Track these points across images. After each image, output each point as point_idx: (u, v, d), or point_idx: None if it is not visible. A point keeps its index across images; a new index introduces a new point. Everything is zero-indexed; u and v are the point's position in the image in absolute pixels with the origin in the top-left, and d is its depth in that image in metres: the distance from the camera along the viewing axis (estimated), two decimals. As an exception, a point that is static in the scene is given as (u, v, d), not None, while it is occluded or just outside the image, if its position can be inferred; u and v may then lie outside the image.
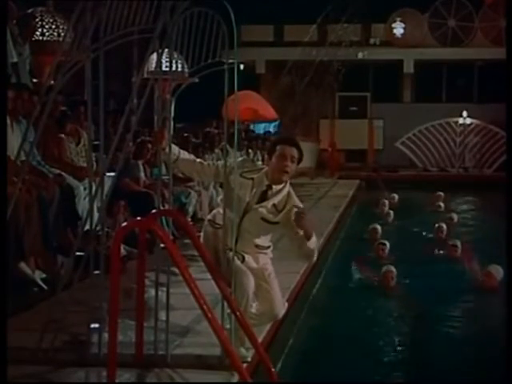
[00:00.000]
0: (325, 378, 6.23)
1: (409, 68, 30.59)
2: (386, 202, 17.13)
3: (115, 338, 4.60)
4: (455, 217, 15.56)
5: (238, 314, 4.92)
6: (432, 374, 6.42)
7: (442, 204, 18.03)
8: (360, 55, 29.16)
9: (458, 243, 11.48)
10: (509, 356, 4.30)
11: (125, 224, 4.59)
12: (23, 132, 6.44)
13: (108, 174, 5.55)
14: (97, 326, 5.12)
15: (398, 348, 7.08)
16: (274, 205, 5.08)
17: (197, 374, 4.91)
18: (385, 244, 11.31)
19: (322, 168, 27.08)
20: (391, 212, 15.96)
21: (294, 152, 5.12)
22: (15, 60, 8.67)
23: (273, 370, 4.99)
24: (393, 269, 9.28)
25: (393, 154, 28.85)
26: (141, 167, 10.27)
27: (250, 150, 18.58)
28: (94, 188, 5.31)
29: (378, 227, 13.14)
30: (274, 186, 5.09)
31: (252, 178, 5.09)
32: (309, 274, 8.85)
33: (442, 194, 18.90)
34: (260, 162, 19.30)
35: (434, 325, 7.80)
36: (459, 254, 11.28)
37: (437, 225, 13.52)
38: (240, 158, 5.58)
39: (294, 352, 6.75)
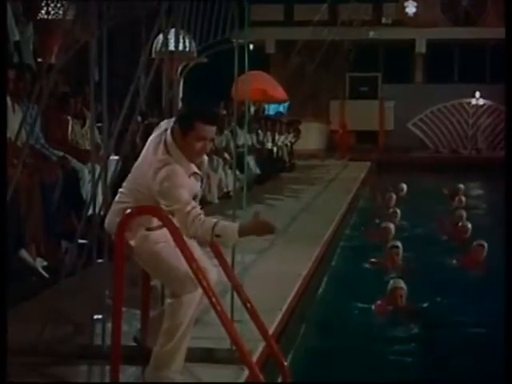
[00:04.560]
0: (336, 370, 6.01)
1: (421, 48, 30.29)
2: (393, 196, 14.67)
3: (119, 331, 4.37)
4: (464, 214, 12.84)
5: (248, 305, 4.69)
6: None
7: (463, 198, 15.19)
8: (371, 35, 28.80)
9: (485, 243, 9.64)
10: (508, 357, 4.01)
11: (129, 210, 4.33)
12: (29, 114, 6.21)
13: (112, 157, 5.31)
14: (100, 316, 4.89)
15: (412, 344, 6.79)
16: None
17: (205, 368, 4.69)
18: (398, 247, 9.42)
19: (333, 149, 26.85)
20: (398, 211, 13.10)
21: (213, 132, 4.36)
22: (17, 38, 8.43)
23: (285, 363, 4.75)
24: (402, 285, 7.50)
25: (404, 136, 28.64)
26: (148, 150, 10.01)
27: (259, 132, 18.35)
28: (97, 171, 5.11)
29: (392, 226, 11.12)
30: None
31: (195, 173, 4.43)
32: (320, 260, 8.62)
33: (462, 187, 16.45)
34: (270, 144, 19.11)
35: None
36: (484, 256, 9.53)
37: (460, 223, 11.59)
38: None
39: (305, 342, 6.53)
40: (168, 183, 4.15)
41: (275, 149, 19.33)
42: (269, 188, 15.76)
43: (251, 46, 24.87)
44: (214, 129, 4.30)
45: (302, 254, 8.22)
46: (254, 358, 4.86)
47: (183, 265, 4.22)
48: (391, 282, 7.62)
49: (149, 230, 4.35)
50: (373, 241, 10.88)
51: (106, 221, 4.47)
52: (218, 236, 4.14)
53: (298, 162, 21.72)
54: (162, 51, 5.66)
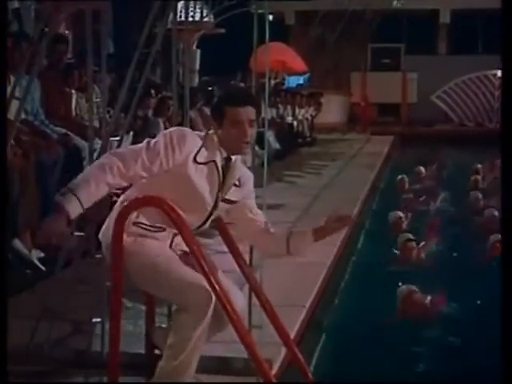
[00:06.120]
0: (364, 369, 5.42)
1: (445, 18, 29.62)
2: (405, 179, 13.14)
3: (117, 342, 3.78)
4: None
5: (267, 307, 4.09)
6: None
7: (479, 178, 13.65)
8: (394, 4, 28.09)
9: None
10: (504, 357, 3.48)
11: (130, 201, 3.74)
12: (24, 87, 5.64)
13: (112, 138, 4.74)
14: (98, 320, 4.32)
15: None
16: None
17: (218, 379, 4.16)
18: (412, 240, 8.43)
19: (354, 123, 26.32)
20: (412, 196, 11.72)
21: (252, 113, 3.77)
22: (16, 6, 7.85)
23: (309, 374, 4.14)
24: (415, 288, 6.63)
25: (427, 108, 27.99)
26: (161, 125, 9.47)
27: (279, 105, 17.76)
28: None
29: (401, 214, 9.92)
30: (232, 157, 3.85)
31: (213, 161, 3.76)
32: (346, 245, 8.00)
33: (479, 166, 14.72)
34: (290, 118, 18.51)
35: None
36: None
37: (487, 213, 9.95)
38: None
39: (331, 336, 5.93)
40: (163, 137, 3.68)
41: (295, 123, 18.76)
42: (289, 164, 15.20)
43: (270, 17, 24.21)
44: (248, 109, 3.73)
45: (326, 238, 7.58)
46: (275, 367, 4.31)
47: (187, 272, 3.62)
48: (403, 287, 6.66)
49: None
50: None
51: (101, 233, 3.87)
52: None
53: (319, 135, 21.14)
54: (172, 22, 5.25)
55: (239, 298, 3.85)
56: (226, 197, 3.83)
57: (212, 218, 3.83)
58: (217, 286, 3.55)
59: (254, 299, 4.20)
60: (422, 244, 8.51)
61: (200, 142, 3.73)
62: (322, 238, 3.96)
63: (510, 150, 3.75)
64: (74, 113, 7.49)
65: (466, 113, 28.44)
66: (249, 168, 4.13)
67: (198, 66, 17.21)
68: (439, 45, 30.56)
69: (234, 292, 3.80)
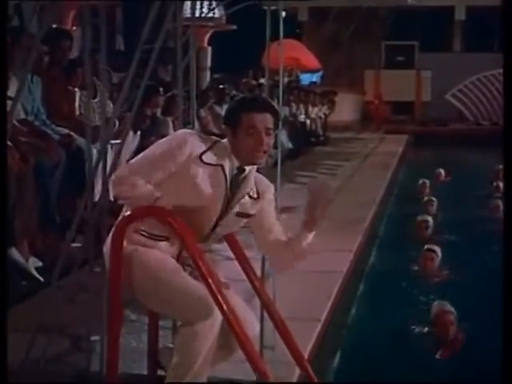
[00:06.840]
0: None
1: (460, 15, 29.26)
2: (427, 183, 12.94)
3: (116, 359, 3.49)
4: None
5: (280, 324, 3.78)
6: None
7: (501, 184, 12.00)
8: (409, 1, 27.79)
9: None
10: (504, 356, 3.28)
11: (129, 213, 3.43)
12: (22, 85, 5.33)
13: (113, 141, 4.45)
14: (97, 338, 4.01)
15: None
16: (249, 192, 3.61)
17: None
18: (433, 251, 7.91)
19: (367, 121, 26.03)
20: (434, 199, 11.33)
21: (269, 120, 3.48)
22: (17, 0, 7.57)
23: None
24: (449, 308, 6.09)
25: (441, 107, 27.79)
26: (170, 124, 9.15)
27: (292, 104, 17.43)
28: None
29: (430, 219, 9.69)
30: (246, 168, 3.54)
31: (221, 165, 3.47)
32: (361, 251, 7.66)
33: (501, 167, 13.17)
34: (303, 116, 18.19)
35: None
36: None
37: None
38: None
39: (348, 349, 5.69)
40: (164, 142, 3.50)
41: (308, 121, 18.44)
42: (302, 164, 14.86)
43: (283, 14, 23.95)
44: (266, 116, 3.44)
45: (341, 244, 7.26)
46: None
47: (190, 284, 3.32)
48: (435, 304, 6.24)
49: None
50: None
51: (104, 247, 3.57)
52: None
53: (332, 134, 20.80)
54: (186, 18, 5.01)
55: (252, 320, 3.54)
56: (242, 211, 3.54)
57: (218, 229, 3.52)
58: (222, 301, 3.23)
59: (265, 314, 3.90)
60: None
61: (206, 145, 3.44)
62: (313, 226, 3.53)
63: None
64: (77, 112, 7.18)
65: (481, 111, 28.20)
66: (261, 171, 3.81)
67: (209, 64, 16.95)
68: (454, 42, 30.25)
69: (247, 314, 3.48)
